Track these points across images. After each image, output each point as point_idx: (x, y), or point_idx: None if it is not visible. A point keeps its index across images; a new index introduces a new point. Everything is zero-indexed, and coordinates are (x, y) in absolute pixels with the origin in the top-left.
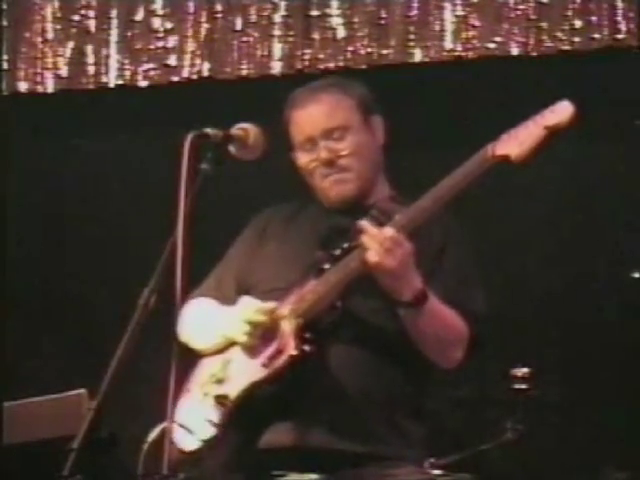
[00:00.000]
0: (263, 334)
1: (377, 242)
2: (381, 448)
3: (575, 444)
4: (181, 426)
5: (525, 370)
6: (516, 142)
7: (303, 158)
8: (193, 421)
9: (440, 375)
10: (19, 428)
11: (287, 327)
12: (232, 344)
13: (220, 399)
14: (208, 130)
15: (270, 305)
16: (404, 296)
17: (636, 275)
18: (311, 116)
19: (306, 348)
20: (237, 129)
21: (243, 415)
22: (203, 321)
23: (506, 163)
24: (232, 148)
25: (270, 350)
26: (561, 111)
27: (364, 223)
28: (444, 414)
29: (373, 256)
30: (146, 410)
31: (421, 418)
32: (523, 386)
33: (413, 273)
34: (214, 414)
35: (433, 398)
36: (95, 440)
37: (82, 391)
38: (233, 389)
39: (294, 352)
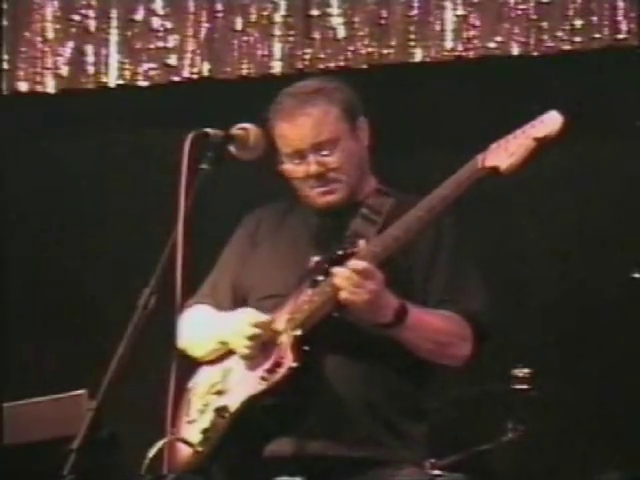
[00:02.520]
0: (262, 347)
1: (345, 280)
2: (381, 451)
3: (575, 444)
4: (182, 441)
5: (525, 370)
6: (506, 154)
7: (291, 169)
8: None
9: (440, 376)
10: (19, 428)
11: (285, 339)
12: (230, 352)
13: (220, 411)
14: (208, 130)
15: (267, 318)
16: (383, 320)
17: (636, 275)
18: (299, 130)
19: (304, 360)
20: (237, 129)
21: (243, 426)
22: (200, 329)
23: (496, 175)
24: (232, 148)
25: (269, 363)
26: (550, 122)
27: (336, 269)
28: (444, 414)
29: (344, 295)
30: (146, 410)
31: (421, 419)
32: (524, 386)
33: (387, 297)
34: (214, 426)
35: (433, 398)
36: (95, 440)
37: (82, 391)
38: (233, 401)
39: (293, 365)
